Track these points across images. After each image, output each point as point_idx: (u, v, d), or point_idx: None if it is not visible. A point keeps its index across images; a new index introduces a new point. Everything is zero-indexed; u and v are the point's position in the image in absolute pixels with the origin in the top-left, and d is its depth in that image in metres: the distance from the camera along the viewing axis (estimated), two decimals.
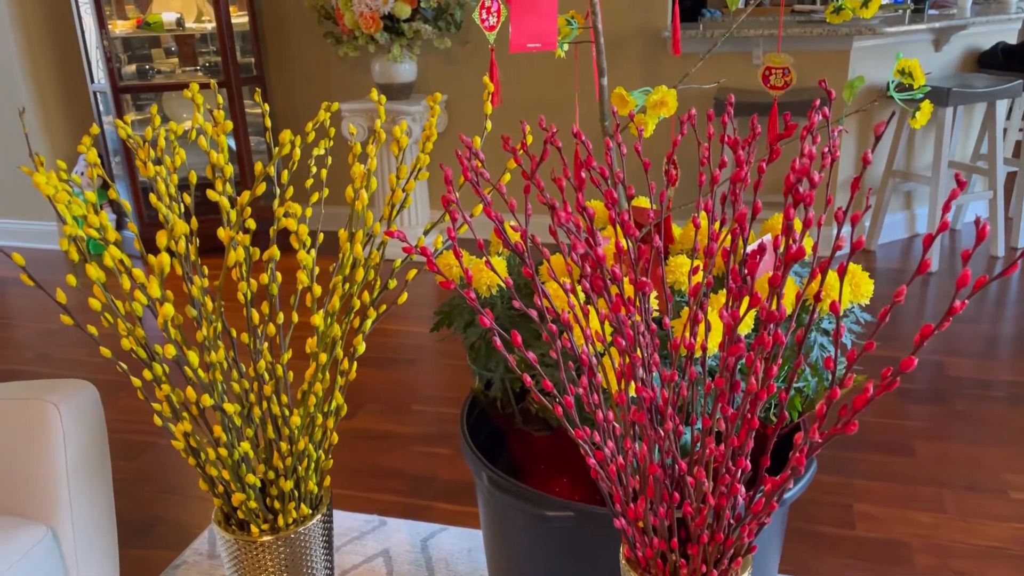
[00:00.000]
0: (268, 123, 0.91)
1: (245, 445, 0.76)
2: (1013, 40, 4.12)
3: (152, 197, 0.76)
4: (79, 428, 1.33)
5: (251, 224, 0.71)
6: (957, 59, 3.99)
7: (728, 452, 0.66)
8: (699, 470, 0.67)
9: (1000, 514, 1.99)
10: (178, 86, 4.17)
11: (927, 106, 1.16)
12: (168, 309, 0.66)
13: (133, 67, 4.19)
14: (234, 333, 0.78)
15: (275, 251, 0.72)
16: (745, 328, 0.83)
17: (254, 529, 0.82)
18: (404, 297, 0.84)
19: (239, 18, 4.09)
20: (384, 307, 0.83)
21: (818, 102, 0.74)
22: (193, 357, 0.70)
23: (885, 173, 3.81)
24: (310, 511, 0.85)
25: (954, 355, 2.85)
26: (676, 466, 0.69)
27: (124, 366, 0.75)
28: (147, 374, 0.71)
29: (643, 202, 1.34)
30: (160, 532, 2.07)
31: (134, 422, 2.60)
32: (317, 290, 0.74)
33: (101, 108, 4.23)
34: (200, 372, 0.71)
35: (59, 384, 1.37)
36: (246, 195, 0.71)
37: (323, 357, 0.78)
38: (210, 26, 4.07)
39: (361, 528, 1.70)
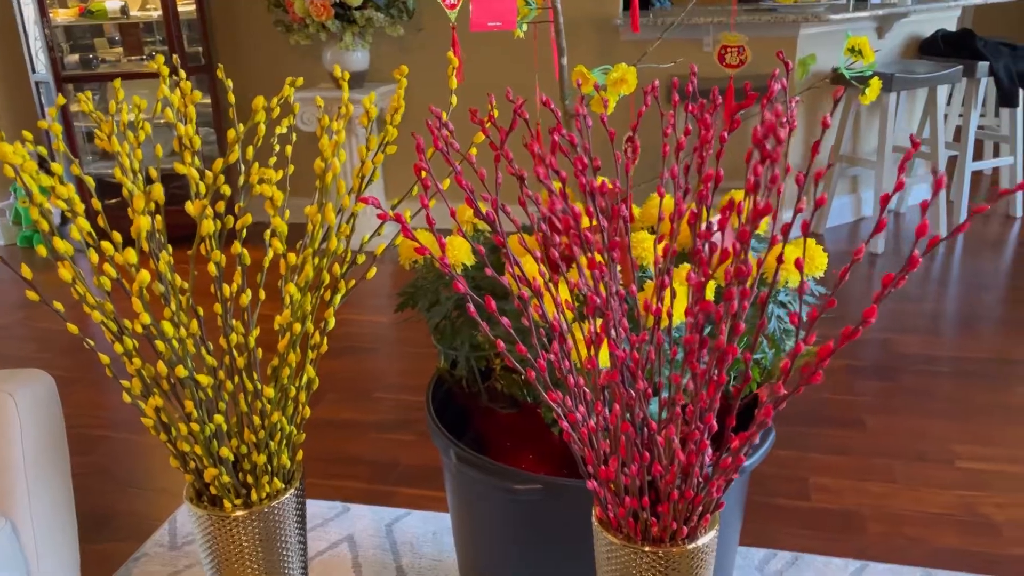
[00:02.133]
0: (232, 99, 0.90)
1: (219, 418, 0.75)
2: (952, 27, 4.24)
3: (116, 171, 0.75)
4: (36, 418, 1.30)
5: (226, 190, 0.71)
6: (899, 46, 4.09)
7: (697, 409, 0.68)
8: (671, 428, 0.69)
9: (947, 482, 2.06)
10: (124, 75, 4.08)
11: (876, 82, 1.20)
12: (144, 276, 0.65)
13: (76, 57, 4.08)
14: (201, 311, 0.77)
15: (248, 217, 0.72)
16: (709, 295, 0.85)
17: (227, 504, 0.82)
18: (373, 272, 0.84)
19: (186, 6, 4.01)
20: (353, 282, 0.83)
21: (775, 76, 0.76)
22: (168, 327, 0.70)
23: (831, 158, 3.90)
24: (283, 485, 0.85)
25: (901, 333, 2.93)
26: (647, 426, 0.71)
27: (91, 342, 0.74)
28: (118, 347, 0.71)
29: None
30: (118, 525, 2.04)
31: (88, 416, 2.55)
32: (292, 258, 0.74)
33: (44, 99, 4.12)
34: (174, 343, 0.71)
35: (15, 374, 1.34)
36: (219, 163, 0.71)
37: (296, 327, 0.78)
38: (156, 14, 3.99)
39: (325, 515, 1.70)
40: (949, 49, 4.01)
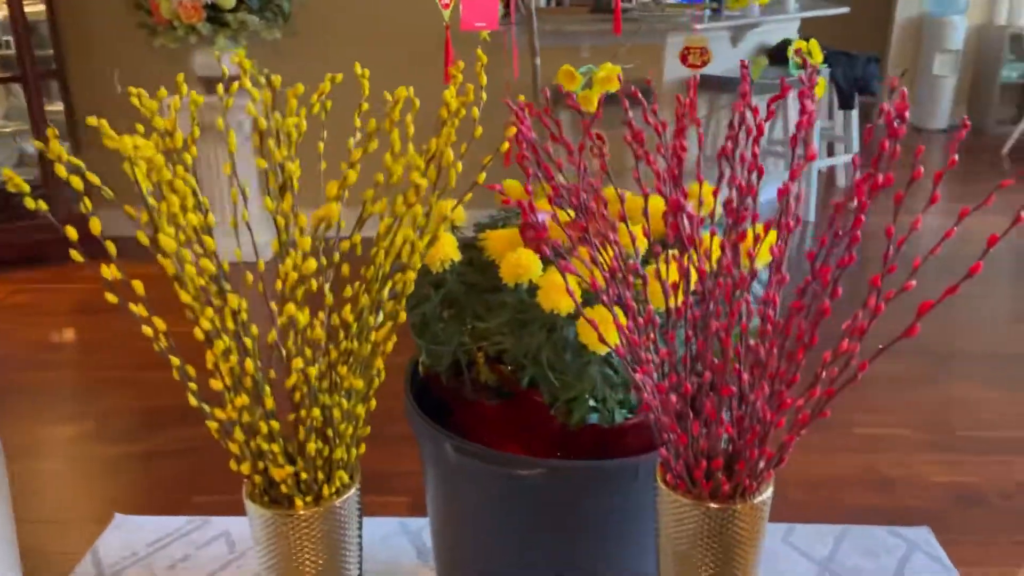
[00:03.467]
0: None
1: (316, 412, 0.74)
2: (795, 36, 4.62)
3: None
4: None
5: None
6: (751, 54, 4.42)
7: (788, 369, 0.74)
8: (762, 384, 0.75)
9: (850, 447, 2.27)
10: None
11: (822, 80, 1.32)
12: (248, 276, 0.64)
13: None
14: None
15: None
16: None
17: (298, 502, 0.80)
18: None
19: (33, 7, 3.73)
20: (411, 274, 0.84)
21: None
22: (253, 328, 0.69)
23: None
24: (348, 480, 0.84)
25: None
26: (739, 387, 0.76)
27: (163, 341, 0.71)
28: (218, 345, 0.68)
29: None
30: (34, 565, 1.88)
31: None
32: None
33: None
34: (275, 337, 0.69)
35: None
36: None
37: (371, 319, 0.78)
38: (0, 14, 3.68)
39: None
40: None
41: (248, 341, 0.72)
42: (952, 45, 6.52)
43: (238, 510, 0.90)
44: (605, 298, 0.77)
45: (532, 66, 1.19)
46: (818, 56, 1.26)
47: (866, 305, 0.66)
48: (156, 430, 2.50)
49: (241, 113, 3.70)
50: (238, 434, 0.77)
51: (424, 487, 1.15)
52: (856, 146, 4.45)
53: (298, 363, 0.74)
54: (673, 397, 0.79)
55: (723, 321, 0.75)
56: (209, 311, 0.70)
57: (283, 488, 0.81)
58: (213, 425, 0.78)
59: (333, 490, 0.84)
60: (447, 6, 1.12)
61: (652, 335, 0.77)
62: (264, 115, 0.76)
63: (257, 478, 0.81)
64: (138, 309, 0.69)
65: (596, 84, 1.08)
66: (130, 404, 2.68)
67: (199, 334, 0.71)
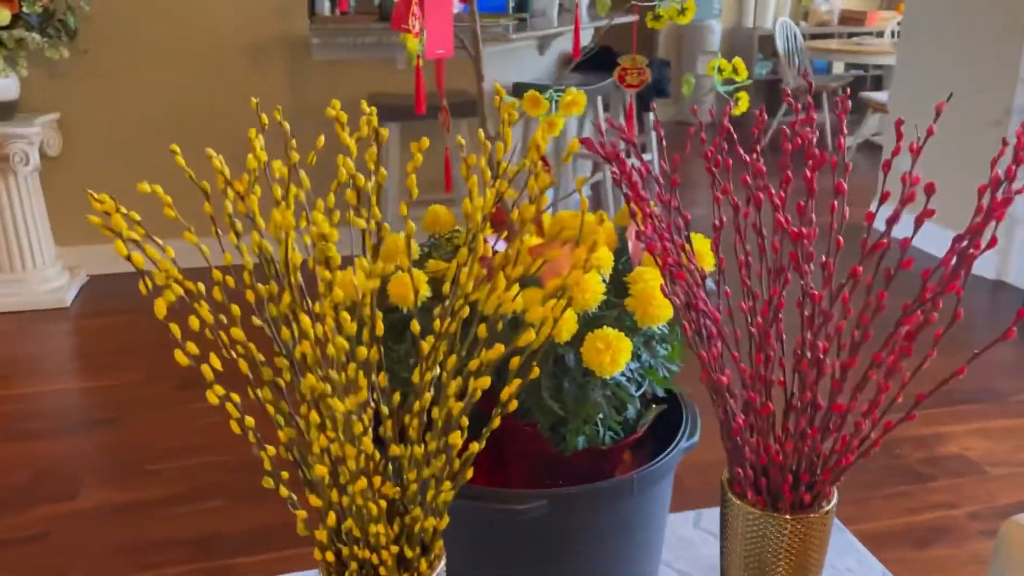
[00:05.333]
0: None
1: (413, 487, 0.67)
2: (590, 44, 4.86)
3: None
4: None
5: None
6: (555, 62, 4.59)
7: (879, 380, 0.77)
8: (857, 397, 0.78)
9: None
10: None
11: (744, 96, 1.40)
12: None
13: None
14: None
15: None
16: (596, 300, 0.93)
17: None
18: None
19: None
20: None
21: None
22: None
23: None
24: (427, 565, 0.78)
25: None
26: (816, 405, 0.79)
27: (262, 447, 0.62)
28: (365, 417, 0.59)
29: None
30: None
31: None
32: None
33: None
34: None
35: None
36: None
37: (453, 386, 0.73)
38: None
39: None
40: (592, 63, 4.60)
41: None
42: (711, 47, 7.17)
43: None
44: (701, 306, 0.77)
45: (479, 91, 1.17)
46: (744, 73, 1.33)
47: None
48: None
49: (23, 142, 3.28)
50: (331, 520, 0.70)
51: None
52: (655, 146, 4.76)
53: (396, 450, 0.68)
54: (763, 413, 0.81)
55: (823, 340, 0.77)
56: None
57: (383, 571, 0.74)
58: (302, 514, 0.70)
59: (427, 563, 0.78)
60: (417, 35, 1.06)
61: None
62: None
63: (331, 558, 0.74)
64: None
65: (561, 108, 1.08)
66: None
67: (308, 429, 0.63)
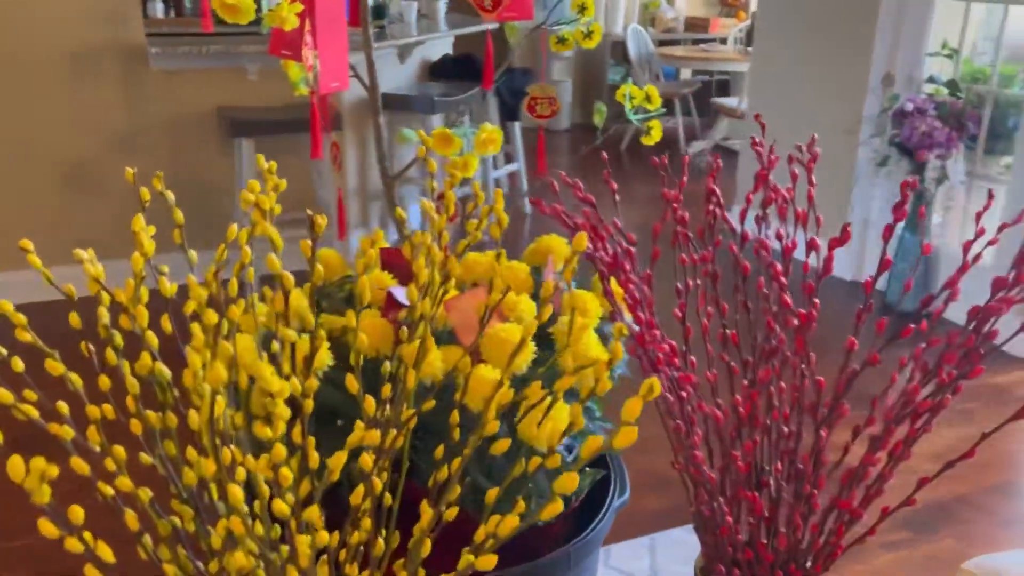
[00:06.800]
0: None
1: None
2: (451, 51, 4.74)
3: None
4: None
5: None
6: (415, 70, 4.44)
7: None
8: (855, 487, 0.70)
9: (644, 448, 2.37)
10: None
11: (657, 124, 1.33)
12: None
13: None
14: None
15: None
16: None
17: None
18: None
19: None
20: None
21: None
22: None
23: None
24: None
25: None
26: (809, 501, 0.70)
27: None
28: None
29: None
30: None
31: None
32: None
33: None
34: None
35: None
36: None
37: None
38: None
39: None
40: (455, 71, 4.49)
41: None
42: (564, 53, 7.22)
43: None
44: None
45: (376, 125, 1.03)
46: (657, 102, 1.26)
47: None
48: None
49: None
50: None
51: None
52: (521, 155, 4.70)
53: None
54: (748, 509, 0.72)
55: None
56: None
57: None
58: None
59: None
60: (311, 68, 0.91)
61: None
62: None
63: None
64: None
65: (478, 146, 0.96)
66: None
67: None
